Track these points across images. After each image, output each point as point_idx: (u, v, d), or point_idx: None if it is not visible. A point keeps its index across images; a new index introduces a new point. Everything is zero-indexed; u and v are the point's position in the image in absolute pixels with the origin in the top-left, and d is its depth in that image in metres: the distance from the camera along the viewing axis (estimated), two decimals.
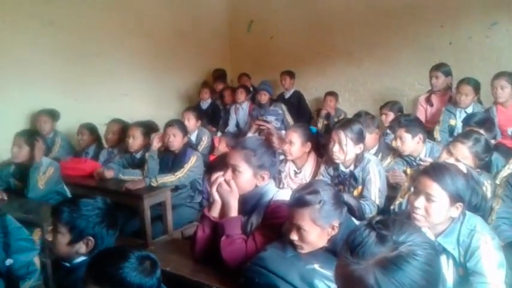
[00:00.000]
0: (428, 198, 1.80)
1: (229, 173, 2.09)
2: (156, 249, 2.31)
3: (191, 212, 3.82)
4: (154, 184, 3.59)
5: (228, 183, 2.07)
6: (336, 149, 2.80)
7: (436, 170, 1.84)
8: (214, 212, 2.11)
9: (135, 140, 3.99)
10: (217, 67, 6.81)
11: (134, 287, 1.38)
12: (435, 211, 1.80)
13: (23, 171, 3.53)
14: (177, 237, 3.37)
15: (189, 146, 3.97)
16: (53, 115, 4.67)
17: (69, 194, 3.64)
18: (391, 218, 1.03)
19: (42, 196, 3.48)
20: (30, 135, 3.60)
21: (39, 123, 4.58)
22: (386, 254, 0.93)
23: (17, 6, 4.58)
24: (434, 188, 1.80)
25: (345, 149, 2.77)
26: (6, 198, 3.41)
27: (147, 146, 3.98)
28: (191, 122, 4.64)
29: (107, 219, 1.89)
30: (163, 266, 1.57)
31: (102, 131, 4.57)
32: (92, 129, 4.54)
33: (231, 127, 5.86)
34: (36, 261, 2.70)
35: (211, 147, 4.82)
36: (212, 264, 2.03)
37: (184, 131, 3.89)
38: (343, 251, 0.97)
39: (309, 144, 3.17)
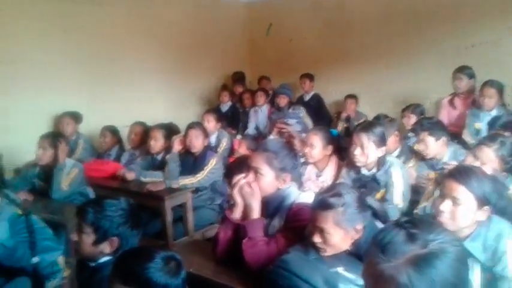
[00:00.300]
0: (455, 202, 1.78)
1: (251, 175, 2.09)
2: (177, 251, 2.30)
3: (211, 214, 3.83)
4: (175, 186, 3.62)
5: (250, 185, 2.07)
6: (357, 152, 2.78)
7: (463, 173, 1.82)
8: (236, 214, 2.11)
9: (157, 142, 4.03)
10: (237, 70, 6.83)
11: (160, 287, 1.39)
12: (462, 214, 1.78)
13: (48, 173, 3.59)
14: (198, 239, 3.39)
15: (209, 148, 4.00)
16: (76, 117, 4.75)
17: (92, 195, 3.69)
18: (419, 218, 1.03)
19: (66, 197, 3.52)
20: (54, 137, 3.65)
21: (62, 126, 4.66)
22: (417, 251, 0.93)
23: (40, 13, 4.68)
24: (460, 191, 1.77)
25: (366, 152, 2.75)
26: (31, 199, 3.48)
27: (168, 148, 4.02)
28: (211, 124, 4.66)
29: (131, 219, 1.91)
30: (185, 267, 1.58)
31: (124, 133, 4.63)
32: (114, 132, 4.61)
33: (251, 130, 5.87)
34: (61, 261, 2.75)
35: (231, 150, 4.84)
36: (234, 266, 2.03)
37: (205, 133, 3.91)
38: (373, 250, 0.97)
39: (330, 147, 3.16)
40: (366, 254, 1.03)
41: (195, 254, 2.26)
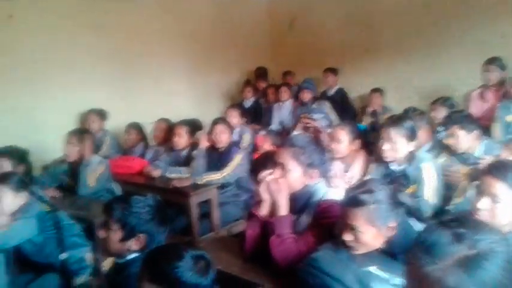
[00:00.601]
0: (494, 199, 1.70)
1: (278, 171, 2.06)
2: (204, 247, 2.30)
3: (237, 210, 3.81)
4: (200, 182, 3.61)
5: (277, 181, 2.04)
6: (386, 147, 2.70)
7: (501, 168, 1.73)
8: (263, 211, 2.08)
9: (181, 139, 4.03)
10: (260, 65, 6.79)
11: (190, 287, 1.36)
12: (501, 212, 1.70)
13: (75, 169, 3.63)
14: (224, 235, 3.37)
15: (233, 144, 3.98)
16: (102, 115, 4.80)
17: (118, 192, 3.71)
18: (463, 216, 0.98)
19: (92, 193, 3.56)
20: (81, 133, 3.69)
21: (88, 123, 4.70)
22: (466, 252, 0.89)
23: (67, 11, 4.72)
24: (499, 187, 1.69)
25: (396, 146, 2.67)
26: (58, 195, 3.52)
27: (193, 144, 4.01)
28: (234, 119, 4.64)
29: (158, 216, 1.90)
30: (214, 264, 1.55)
31: (148, 130, 4.65)
32: (138, 128, 4.65)
33: (274, 125, 5.83)
34: (88, 257, 2.77)
35: (253, 145, 4.81)
36: (262, 263, 2.00)
37: (230, 129, 3.90)
38: (416, 251, 0.92)
39: (357, 142, 3.09)
40: (408, 256, 0.98)
41: (222, 250, 2.24)
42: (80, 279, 2.69)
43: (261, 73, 6.69)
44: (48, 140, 4.35)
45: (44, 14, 4.56)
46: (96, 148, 4.16)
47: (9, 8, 4.30)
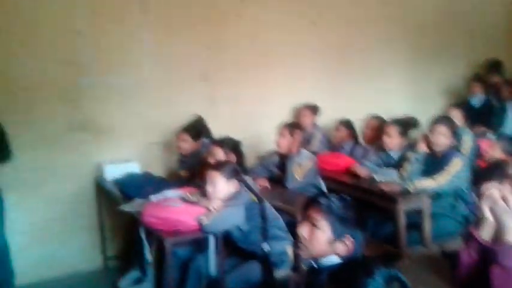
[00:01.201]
0: None
1: (508, 186, 1.66)
2: (411, 264, 2.06)
3: (453, 225, 3.33)
4: (410, 188, 3.28)
5: (506, 198, 1.64)
6: None
7: None
8: (484, 233, 1.71)
9: (391, 139, 3.81)
10: (492, 56, 5.94)
11: None
12: None
13: (284, 161, 3.75)
14: (434, 252, 2.99)
15: (455, 148, 3.51)
16: (314, 110, 4.86)
17: (324, 188, 3.70)
18: None
19: (299, 187, 3.61)
20: (293, 126, 3.80)
21: (300, 117, 4.83)
22: None
23: (286, 8, 4.90)
24: None
25: None
26: (268, 186, 3.68)
27: (405, 145, 3.71)
28: (456, 119, 4.11)
29: (356, 221, 1.74)
30: (416, 284, 1.31)
31: (359, 127, 4.52)
32: (348, 125, 4.55)
33: (508, 129, 4.97)
34: (289, 251, 2.81)
35: (477, 151, 4.18)
36: None
37: (452, 130, 3.45)
38: None
39: None
40: None
41: (430, 271, 1.97)
42: (280, 272, 2.74)
43: (493, 66, 5.86)
44: (265, 132, 4.59)
45: (265, 11, 4.79)
46: (307, 143, 4.22)
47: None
